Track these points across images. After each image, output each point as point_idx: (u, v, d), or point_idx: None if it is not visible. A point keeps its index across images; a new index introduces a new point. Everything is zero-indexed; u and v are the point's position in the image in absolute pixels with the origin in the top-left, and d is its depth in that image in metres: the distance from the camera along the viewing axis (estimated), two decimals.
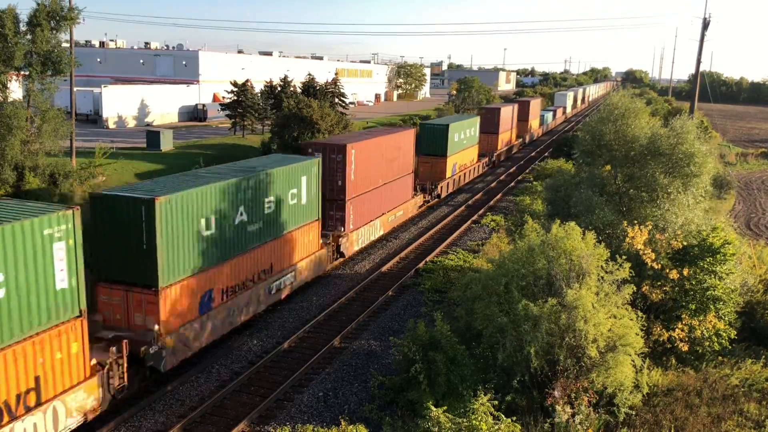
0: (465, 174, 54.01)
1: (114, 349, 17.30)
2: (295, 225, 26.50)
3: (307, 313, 26.37)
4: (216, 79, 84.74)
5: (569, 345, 17.57)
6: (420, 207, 44.48)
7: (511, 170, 65.44)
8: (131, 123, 71.71)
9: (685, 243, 22.77)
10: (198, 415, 18.52)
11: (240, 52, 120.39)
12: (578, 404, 18.21)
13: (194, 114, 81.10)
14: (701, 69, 68.16)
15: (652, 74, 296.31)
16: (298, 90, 70.10)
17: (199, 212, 20.18)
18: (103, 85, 71.86)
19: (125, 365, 17.49)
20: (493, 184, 57.15)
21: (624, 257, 19.40)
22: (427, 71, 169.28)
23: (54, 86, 35.55)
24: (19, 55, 32.83)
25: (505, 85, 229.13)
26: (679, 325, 21.81)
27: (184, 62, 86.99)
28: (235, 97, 64.76)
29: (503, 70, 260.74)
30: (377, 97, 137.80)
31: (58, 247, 15.15)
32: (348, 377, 21.38)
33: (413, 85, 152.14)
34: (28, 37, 33.91)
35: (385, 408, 18.81)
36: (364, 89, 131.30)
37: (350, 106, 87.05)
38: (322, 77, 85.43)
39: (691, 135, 25.23)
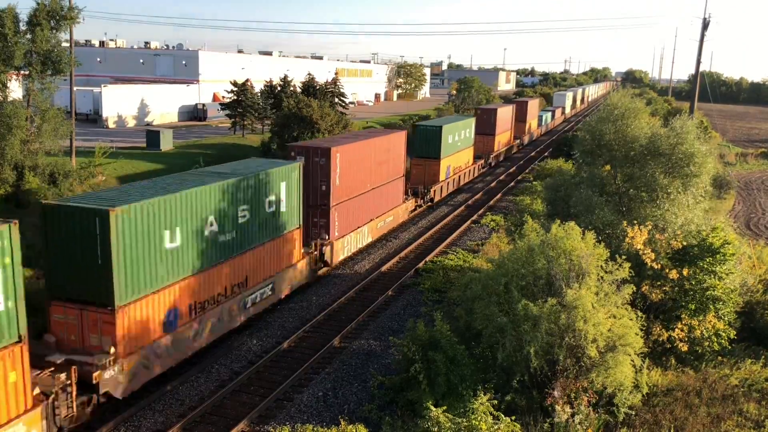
0: (460, 177, 52.58)
1: (63, 375, 15.86)
2: (274, 234, 24.74)
3: (306, 313, 26.37)
4: (216, 78, 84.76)
5: (569, 345, 17.58)
6: (412, 212, 43.01)
7: (509, 171, 65.35)
8: (131, 122, 71.72)
9: (684, 243, 22.78)
10: (198, 414, 18.51)
11: (240, 51, 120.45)
12: (578, 404, 18.22)
13: (194, 114, 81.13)
14: (701, 69, 68.20)
15: (652, 74, 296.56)
16: (298, 90, 70.15)
17: (163, 223, 18.55)
18: (102, 85, 71.88)
19: (74, 393, 16.10)
20: (491, 185, 56.95)
21: (624, 257, 19.40)
22: (427, 71, 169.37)
23: (54, 86, 35.59)
24: (18, 54, 32.85)
25: (505, 85, 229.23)
26: (679, 325, 21.82)
27: (184, 62, 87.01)
28: (235, 97, 64.81)
29: (503, 70, 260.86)
30: (377, 96, 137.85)
31: None
32: (348, 377, 21.38)
33: (413, 84, 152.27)
34: (28, 36, 33.94)
35: (384, 408, 18.81)
36: (363, 89, 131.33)
37: (350, 105, 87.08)
38: (322, 77, 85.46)
39: (691, 135, 25.24)
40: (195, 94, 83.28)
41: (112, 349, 17.31)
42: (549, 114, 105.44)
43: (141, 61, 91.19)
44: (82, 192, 35.14)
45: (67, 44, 39.46)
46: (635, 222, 22.98)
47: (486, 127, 63.51)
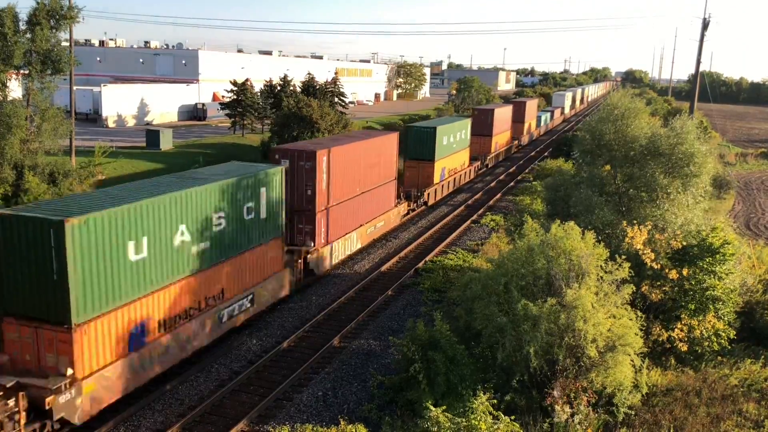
0: (455, 179, 51.46)
1: (12, 401, 14.76)
2: (253, 243, 23.32)
3: (306, 313, 26.37)
4: (216, 78, 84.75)
5: (568, 345, 17.58)
6: (404, 216, 41.63)
7: (509, 171, 65.32)
8: (131, 122, 71.71)
9: (684, 243, 22.78)
10: (197, 414, 18.51)
11: (240, 51, 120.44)
12: (577, 404, 18.22)
13: (194, 113, 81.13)
14: (701, 69, 68.20)
15: (652, 74, 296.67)
16: (298, 89, 70.15)
17: (127, 234, 17.26)
18: (102, 84, 71.89)
19: (22, 421, 14.99)
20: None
21: (623, 257, 19.40)
22: (427, 71, 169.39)
23: (53, 85, 35.56)
24: (18, 53, 32.83)
25: (505, 84, 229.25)
26: (679, 325, 21.82)
27: (183, 61, 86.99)
28: (235, 97, 64.81)
29: (503, 69, 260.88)
30: (377, 96, 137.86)
31: None
32: (347, 377, 21.38)
33: (413, 84, 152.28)
34: (28, 35, 33.91)
35: (384, 407, 18.81)
36: (363, 89, 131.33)
37: (350, 105, 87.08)
38: (322, 76, 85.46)
39: (691, 135, 25.26)
40: (195, 93, 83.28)
41: (69, 371, 16.02)
42: (548, 114, 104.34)
43: (141, 60, 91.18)
44: (82, 191, 35.14)
45: (67, 43, 39.45)
46: (635, 222, 22.99)
47: (483, 128, 62.54)
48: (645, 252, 21.82)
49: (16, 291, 16.38)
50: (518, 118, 79.71)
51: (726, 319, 22.36)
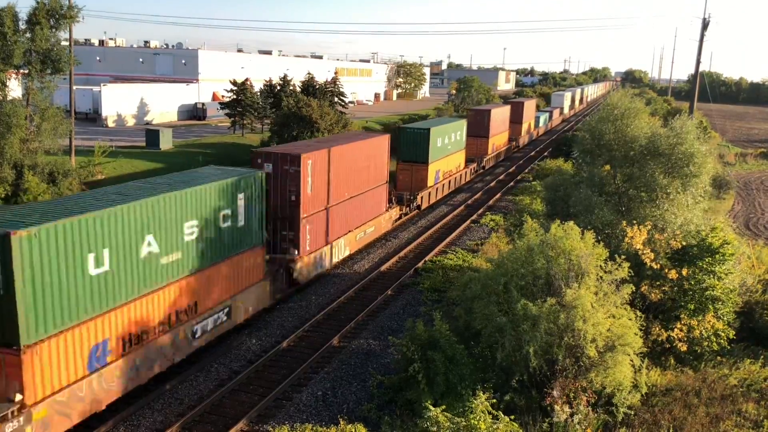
0: (450, 182, 50.04)
1: None
2: (230, 253, 21.97)
3: (306, 312, 26.37)
4: (215, 77, 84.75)
5: (568, 345, 17.58)
6: (396, 221, 40.26)
7: (508, 171, 65.35)
8: (130, 121, 71.70)
9: (684, 243, 22.79)
10: (197, 414, 18.51)
11: (239, 51, 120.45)
12: (577, 404, 18.22)
13: (194, 113, 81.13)
14: (701, 69, 68.25)
15: (652, 74, 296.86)
16: (298, 89, 70.15)
17: (86, 245, 15.98)
18: (102, 84, 71.88)
19: None
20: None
21: (623, 257, 19.41)
22: (427, 70, 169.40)
23: (53, 85, 35.60)
24: (18, 53, 32.86)
25: (505, 84, 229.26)
26: (678, 325, 21.83)
27: (183, 61, 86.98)
28: (235, 96, 64.83)
29: (503, 69, 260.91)
30: (377, 96, 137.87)
31: None
32: (347, 376, 21.39)
33: (413, 84, 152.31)
34: (28, 35, 33.95)
35: (383, 407, 18.82)
36: (363, 88, 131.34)
37: (349, 105, 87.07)
38: (322, 76, 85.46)
39: (691, 135, 25.28)
40: (194, 93, 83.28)
41: (18, 397, 14.80)
42: (546, 115, 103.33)
43: (140, 60, 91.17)
44: (80, 190, 35.15)
45: (67, 43, 39.45)
46: (634, 222, 23.00)
47: (479, 129, 61.25)
48: (644, 252, 21.84)
49: None
50: (516, 118, 78.33)
51: (725, 319, 22.38)
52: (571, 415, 17.94)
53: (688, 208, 24.79)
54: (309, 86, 70.48)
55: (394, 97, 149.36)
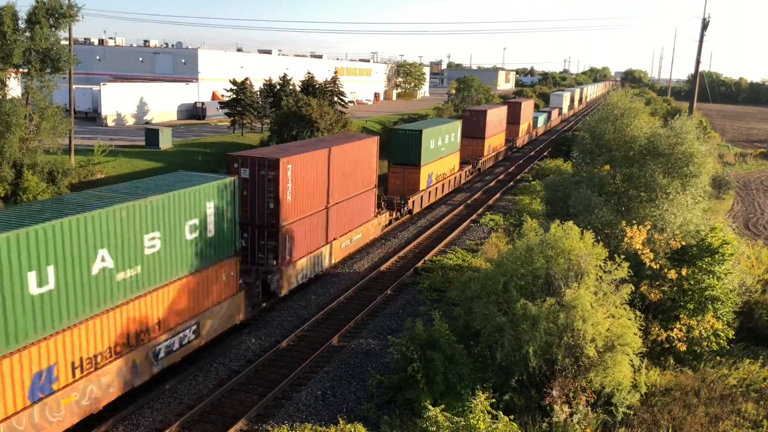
0: (443, 185, 48.11)
1: None
2: (197, 265, 20.37)
3: (305, 312, 26.37)
4: (215, 77, 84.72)
5: (567, 344, 17.59)
6: (386, 227, 38.55)
7: (509, 170, 65.32)
8: (130, 121, 71.68)
9: (683, 243, 22.80)
10: (196, 413, 18.51)
11: (239, 50, 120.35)
12: (576, 404, 18.23)
13: (193, 112, 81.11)
14: (700, 69, 68.28)
15: (652, 74, 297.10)
16: (298, 88, 70.12)
17: (26, 263, 14.55)
18: (102, 83, 71.83)
19: None
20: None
21: (622, 257, 19.42)
22: (427, 70, 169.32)
23: (53, 84, 35.63)
24: (17, 52, 32.87)
25: (505, 84, 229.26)
26: (678, 325, 21.84)
27: (183, 60, 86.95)
28: (234, 96, 64.80)
29: (502, 69, 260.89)
30: (376, 95, 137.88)
31: None
32: (346, 376, 21.39)
33: (412, 84, 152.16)
34: (27, 34, 33.96)
35: (383, 407, 18.83)
36: (363, 88, 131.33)
37: (349, 104, 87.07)
38: (322, 76, 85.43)
39: (691, 135, 25.30)
40: (194, 92, 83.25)
41: None
42: (544, 115, 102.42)
43: (140, 59, 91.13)
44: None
45: (66, 42, 39.44)
46: (634, 222, 23.00)
47: (475, 130, 59.96)
48: (644, 252, 21.85)
49: None
50: (513, 119, 76.86)
51: (725, 319, 22.39)
52: (571, 414, 17.95)
53: (688, 208, 24.81)
54: (309, 86, 70.46)
55: (394, 97, 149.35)
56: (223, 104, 66.75)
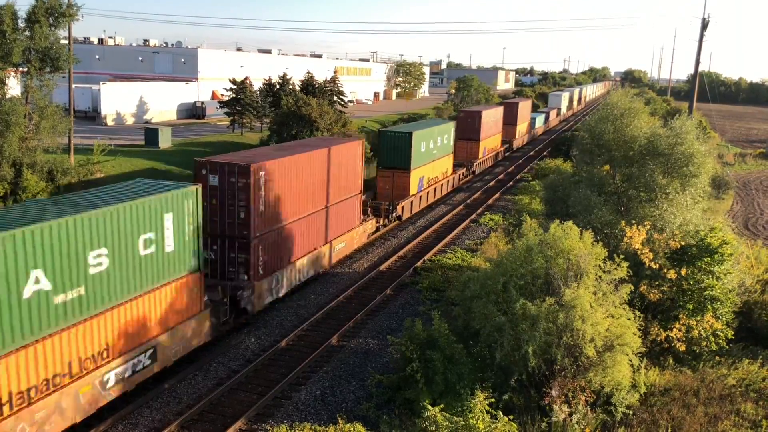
0: (435, 189, 46.27)
1: None
2: (154, 283, 18.60)
3: (305, 311, 26.37)
4: (215, 76, 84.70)
5: (567, 344, 17.60)
6: (372, 234, 36.74)
7: (508, 170, 65.32)
8: (130, 120, 71.65)
9: (683, 243, 22.82)
10: (195, 412, 18.50)
11: (239, 49, 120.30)
12: (575, 403, 18.24)
13: (193, 111, 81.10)
14: (700, 69, 68.28)
15: (651, 74, 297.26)
16: (297, 88, 70.09)
17: None
18: (101, 82, 71.77)
19: None
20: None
21: (622, 257, 19.43)
22: (426, 70, 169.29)
23: (52, 83, 35.58)
24: (17, 51, 32.84)
25: (504, 84, 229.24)
26: (677, 325, 21.86)
27: (183, 60, 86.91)
28: (234, 95, 64.77)
29: (502, 69, 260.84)
30: (376, 95, 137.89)
31: None
32: (346, 375, 21.39)
33: (412, 83, 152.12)
34: (27, 33, 33.93)
35: (382, 406, 18.83)
36: (363, 87, 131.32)
37: (349, 104, 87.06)
38: (321, 75, 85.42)
39: (690, 135, 25.33)
40: (194, 91, 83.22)
41: None
42: (542, 116, 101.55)
43: (140, 58, 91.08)
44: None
45: (66, 41, 39.41)
46: (633, 222, 23.02)
47: (470, 132, 58.28)
48: (643, 252, 21.86)
49: None
50: (510, 120, 75.07)
51: (724, 319, 22.40)
52: (570, 414, 17.96)
53: (687, 208, 24.84)
54: (308, 85, 70.42)
55: (394, 97, 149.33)
56: (223, 104, 66.73)
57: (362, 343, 24.00)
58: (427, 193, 44.60)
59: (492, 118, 63.80)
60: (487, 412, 15.93)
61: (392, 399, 18.93)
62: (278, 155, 25.90)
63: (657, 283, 22.08)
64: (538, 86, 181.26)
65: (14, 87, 36.53)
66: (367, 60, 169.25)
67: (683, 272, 21.76)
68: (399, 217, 40.15)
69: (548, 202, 30.01)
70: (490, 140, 63.97)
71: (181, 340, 20.09)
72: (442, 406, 16.08)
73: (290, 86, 69.60)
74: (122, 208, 17.09)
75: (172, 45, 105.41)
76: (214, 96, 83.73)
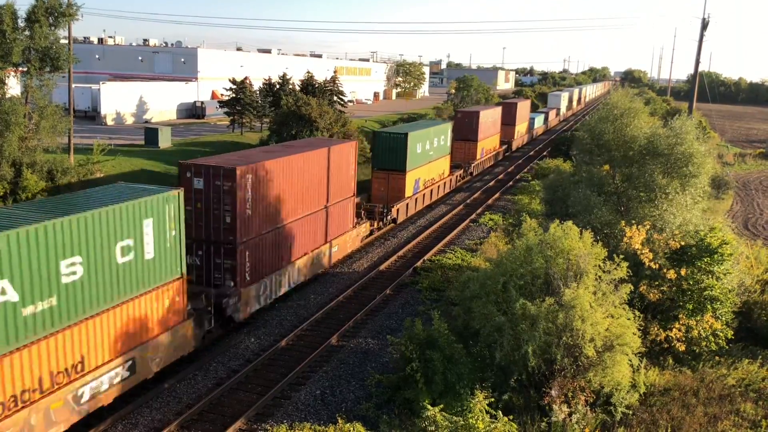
0: (432, 191, 45.56)
1: None
2: (132, 292, 17.78)
3: (305, 311, 26.37)
4: (215, 76, 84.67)
5: (566, 344, 17.60)
6: (366, 238, 36.20)
7: (509, 170, 65.31)
8: (129, 120, 71.64)
9: (682, 243, 22.83)
10: (195, 412, 18.50)
11: (239, 49, 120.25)
12: (575, 403, 18.24)
13: (193, 111, 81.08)
14: (700, 69, 68.31)
15: (651, 74, 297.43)
16: (297, 88, 70.09)
17: None
18: (101, 82, 71.75)
19: None
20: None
21: (621, 257, 19.44)
22: (426, 70, 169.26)
23: (52, 82, 35.57)
24: (17, 51, 32.84)
25: (504, 84, 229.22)
26: (677, 325, 21.87)
27: (182, 59, 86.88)
28: (234, 95, 64.77)
29: (502, 69, 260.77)
30: (376, 95, 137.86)
31: None
32: (345, 375, 21.39)
33: (412, 83, 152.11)
34: (27, 33, 33.92)
35: (382, 406, 18.83)
36: (362, 87, 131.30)
37: (349, 104, 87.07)
38: (321, 75, 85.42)
39: (690, 135, 25.34)
40: (194, 91, 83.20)
41: None
42: (542, 116, 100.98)
43: (140, 58, 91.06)
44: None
45: (66, 41, 39.41)
46: (633, 222, 23.02)
47: (467, 133, 57.60)
48: (643, 252, 21.87)
49: None
50: (508, 120, 74.21)
51: (724, 319, 22.41)
52: (570, 414, 17.97)
53: (687, 208, 24.85)
54: (308, 85, 70.42)
55: (394, 97, 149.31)
56: (223, 103, 66.72)
57: (362, 342, 24.00)
58: (423, 195, 44.07)
59: (490, 118, 63.10)
60: (487, 412, 15.93)
61: (392, 399, 18.93)
62: (267, 157, 25.21)
63: (657, 283, 22.09)
64: (538, 86, 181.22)
65: (14, 87, 36.53)
66: (367, 60, 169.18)
67: (683, 272, 21.77)
68: (394, 220, 39.65)
69: (548, 202, 30.03)
70: (488, 141, 63.32)
71: (162, 351, 19.33)
72: (441, 406, 16.08)
73: (290, 86, 69.59)
74: (97, 214, 16.30)
75: (172, 45, 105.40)
76: (213, 96, 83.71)
